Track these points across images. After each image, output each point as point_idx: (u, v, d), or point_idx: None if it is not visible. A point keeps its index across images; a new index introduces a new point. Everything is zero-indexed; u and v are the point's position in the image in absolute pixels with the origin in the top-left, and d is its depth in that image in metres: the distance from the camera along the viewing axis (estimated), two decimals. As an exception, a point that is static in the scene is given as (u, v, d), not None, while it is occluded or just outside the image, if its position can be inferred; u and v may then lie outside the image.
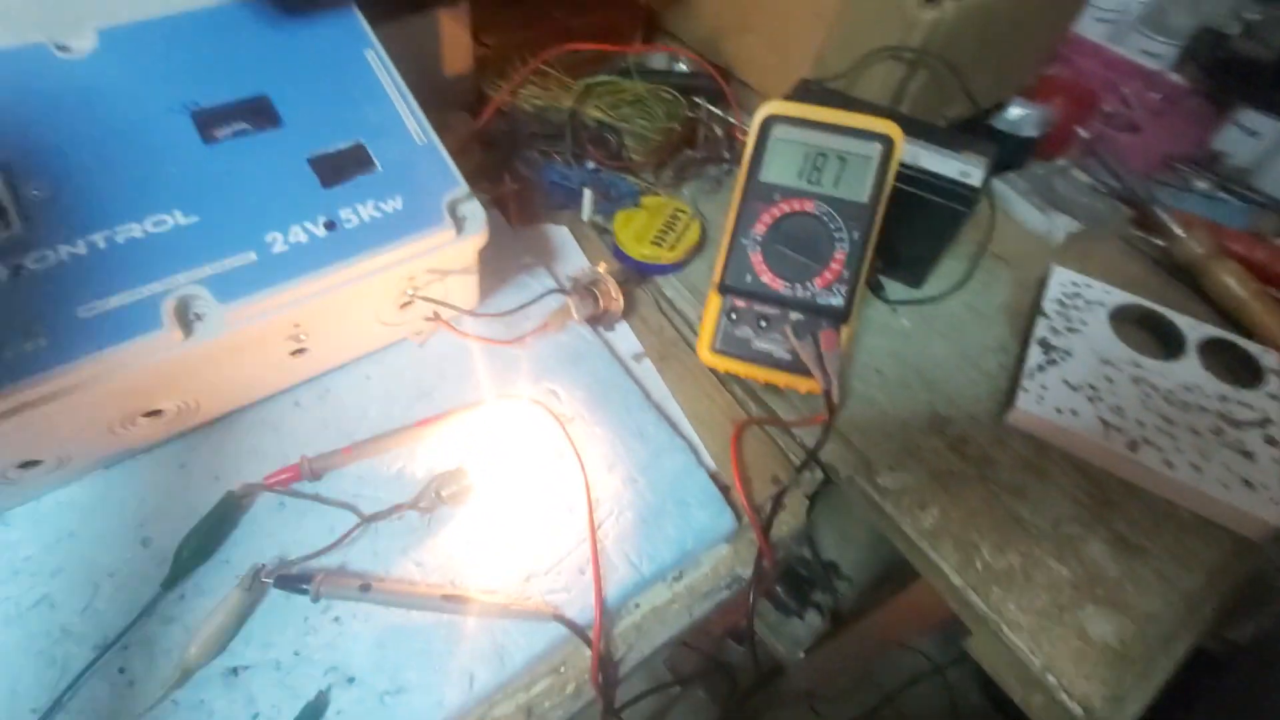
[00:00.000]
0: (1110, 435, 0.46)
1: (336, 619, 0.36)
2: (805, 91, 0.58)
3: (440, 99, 0.61)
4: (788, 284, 0.47)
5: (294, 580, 0.36)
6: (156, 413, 0.38)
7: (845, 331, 0.46)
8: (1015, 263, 0.61)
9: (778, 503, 0.44)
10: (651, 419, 0.45)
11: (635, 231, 0.56)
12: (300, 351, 0.41)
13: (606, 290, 0.50)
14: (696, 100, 0.67)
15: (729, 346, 0.48)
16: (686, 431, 0.46)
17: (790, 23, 0.60)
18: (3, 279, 0.32)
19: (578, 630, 0.37)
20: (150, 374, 0.33)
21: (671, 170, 0.64)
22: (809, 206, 0.47)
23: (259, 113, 0.39)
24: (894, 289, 0.58)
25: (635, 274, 0.56)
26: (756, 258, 0.47)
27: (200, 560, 0.37)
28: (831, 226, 0.47)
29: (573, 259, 0.56)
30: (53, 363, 0.31)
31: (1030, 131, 0.67)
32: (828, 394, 0.45)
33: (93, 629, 0.35)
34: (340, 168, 0.39)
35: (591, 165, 0.61)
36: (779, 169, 0.48)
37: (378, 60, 0.42)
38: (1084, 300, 0.55)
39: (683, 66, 0.72)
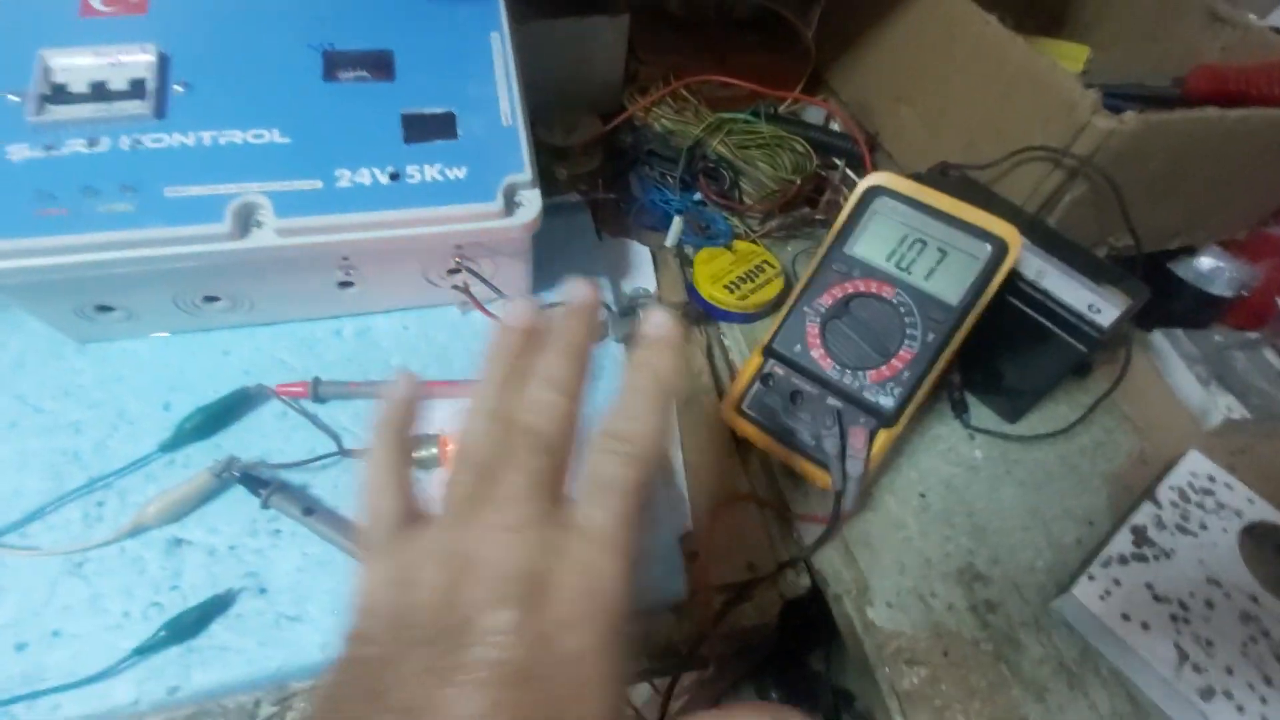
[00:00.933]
0: (1183, 672, 0.36)
1: (277, 531, 0.38)
2: (941, 174, 0.53)
3: (584, 100, 0.64)
4: (838, 367, 0.42)
5: (255, 482, 0.38)
6: (214, 299, 0.42)
7: (885, 437, 0.41)
8: (1146, 431, 0.51)
9: (743, 592, 0.40)
10: (643, 456, 0.43)
11: (714, 271, 0.54)
12: (347, 285, 0.43)
13: (634, 311, 0.48)
14: (836, 161, 0.64)
15: (755, 411, 0.44)
16: (678, 480, 0.43)
17: (949, 101, 0.55)
18: (124, 147, 0.37)
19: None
20: (205, 261, 0.37)
21: (780, 222, 0.61)
22: (887, 292, 0.42)
23: (379, 65, 0.42)
24: (981, 414, 0.50)
25: (700, 313, 0.54)
26: (813, 329, 0.43)
27: (199, 437, 0.40)
28: (906, 320, 0.42)
29: (642, 279, 0.55)
30: (129, 224, 0.35)
31: (1221, 290, 0.56)
32: (838, 495, 0.40)
33: (95, 462, 0.39)
34: (426, 128, 0.41)
35: (697, 196, 0.60)
36: (869, 244, 0.44)
37: (500, 44, 0.44)
38: (1216, 501, 0.44)
39: (836, 125, 0.69)
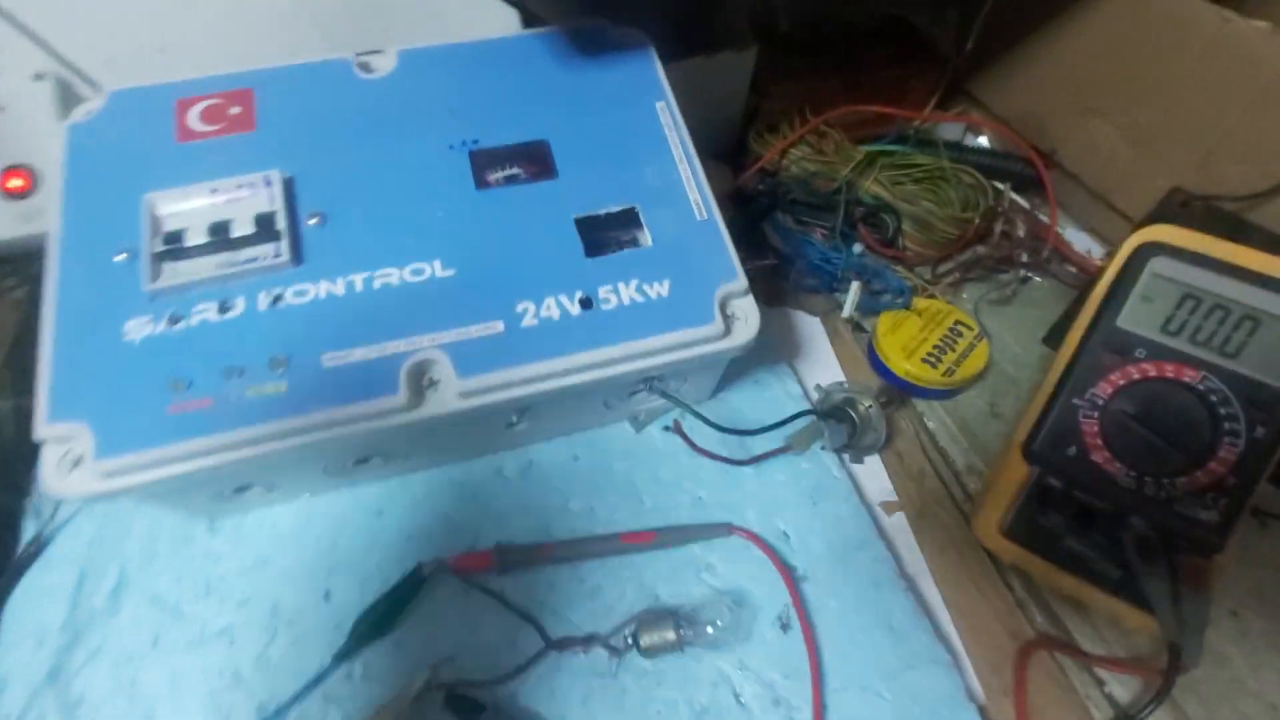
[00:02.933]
0: None
1: (493, 761, 0.31)
2: (1177, 207, 0.44)
3: (703, 146, 0.56)
4: (1134, 475, 0.34)
5: (465, 708, 0.30)
6: (366, 459, 0.35)
7: (1214, 564, 0.33)
8: None
9: (1066, 778, 0.32)
10: (904, 605, 0.35)
11: (903, 341, 0.46)
12: (515, 424, 0.36)
13: (868, 419, 0.40)
14: (997, 186, 0.55)
15: (1026, 535, 0.36)
16: (947, 633, 0.35)
17: (1168, 112, 0.46)
18: (263, 308, 0.30)
19: None
20: (374, 436, 0.30)
21: (953, 268, 0.53)
22: (1191, 376, 0.34)
23: (535, 159, 0.35)
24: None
25: (897, 395, 0.46)
26: (1092, 428, 0.35)
27: (376, 637, 0.33)
28: (1222, 411, 0.33)
29: (821, 361, 0.47)
30: (289, 412, 0.28)
31: None
32: (1175, 649, 0.32)
33: (261, 683, 0.32)
34: (608, 235, 0.34)
35: (859, 249, 0.52)
36: (1150, 317, 0.36)
37: (668, 115, 0.37)
38: None
39: (983, 141, 0.61)
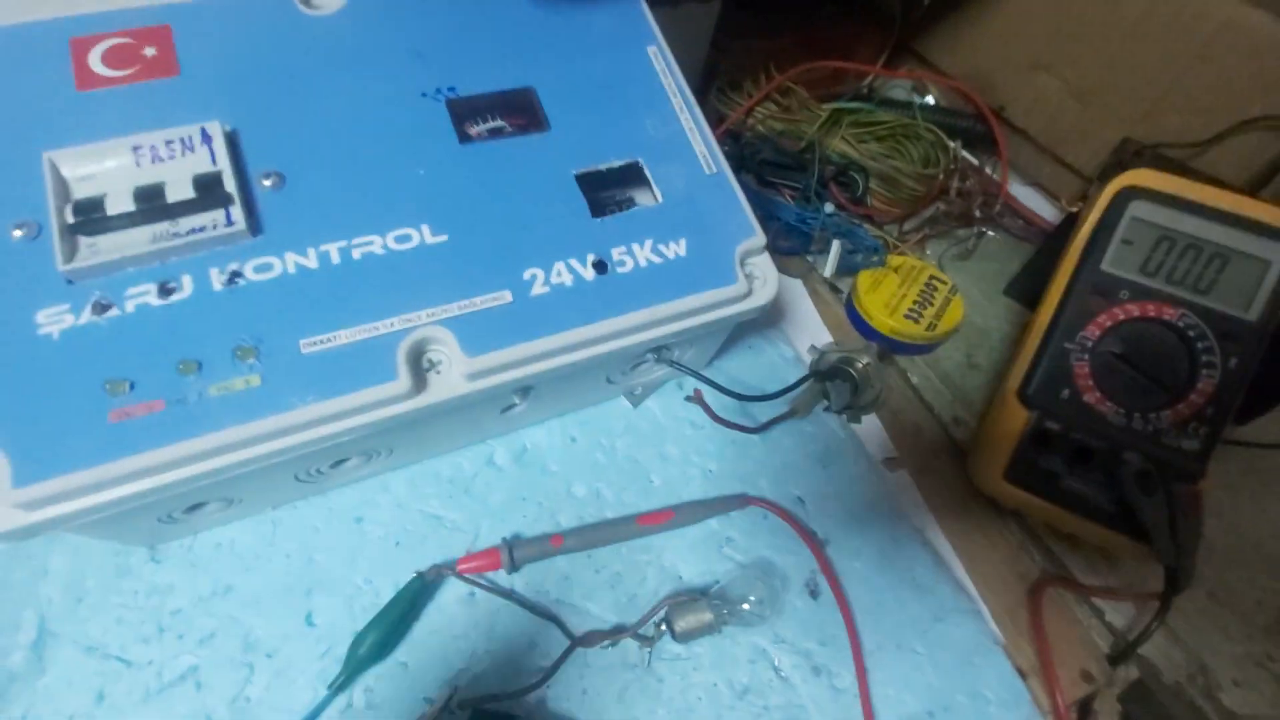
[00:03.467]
0: None
1: (529, 776, 0.28)
2: (1130, 156, 0.46)
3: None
4: (1123, 412, 0.36)
5: (490, 721, 0.27)
6: (343, 460, 0.31)
7: (1201, 490, 0.35)
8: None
9: (1086, 711, 0.33)
10: (924, 559, 0.35)
11: (884, 298, 0.46)
12: (513, 407, 0.33)
13: (866, 376, 0.40)
14: (949, 143, 0.56)
15: (1027, 478, 0.37)
16: (964, 581, 0.36)
17: (1112, 67, 0.48)
18: (216, 289, 0.25)
19: None
20: (366, 430, 0.26)
21: (918, 225, 0.54)
22: (1170, 314, 0.36)
23: (522, 109, 0.31)
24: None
25: (885, 352, 0.46)
26: (1083, 370, 0.36)
27: (377, 659, 0.29)
28: (1199, 345, 0.35)
29: (805, 322, 0.46)
30: (266, 410, 0.23)
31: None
32: (1173, 572, 0.34)
33: (241, 729, 0.28)
34: (612, 193, 0.30)
35: (830, 208, 0.51)
36: (1131, 259, 0.37)
37: (662, 60, 0.34)
38: None
39: (930, 99, 0.62)
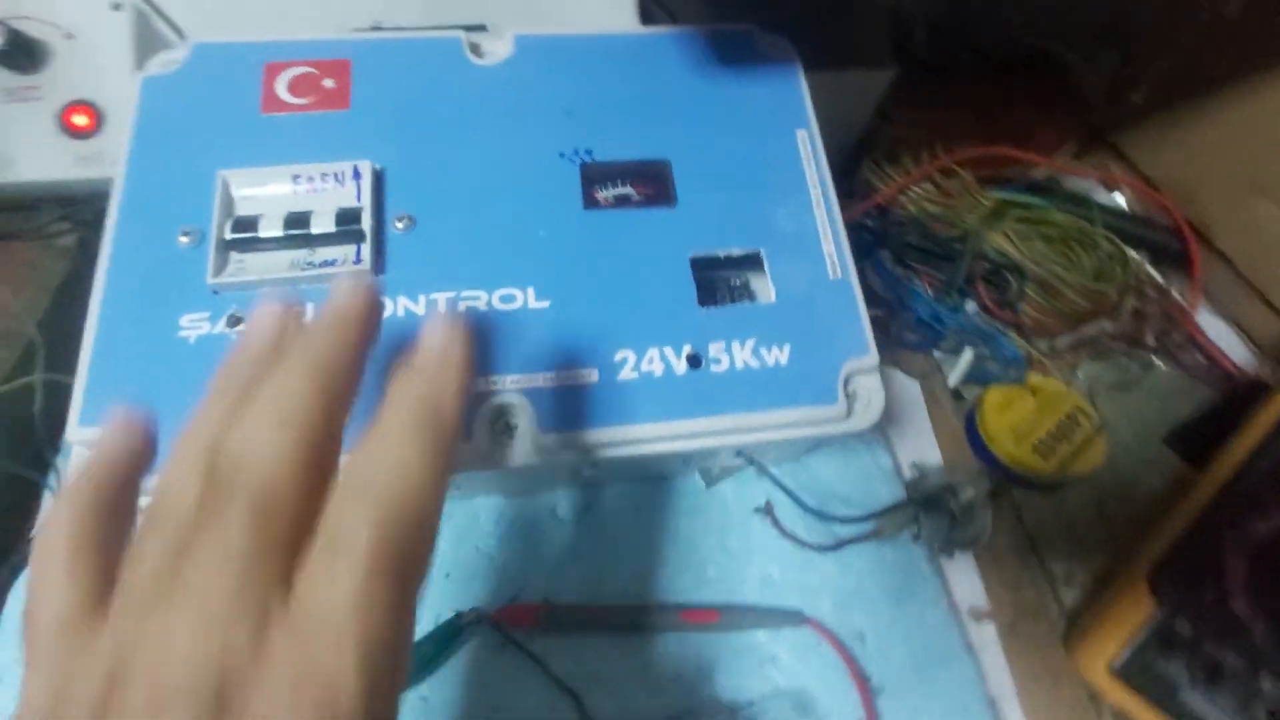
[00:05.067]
0: None
1: None
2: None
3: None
4: (1275, 631, 0.30)
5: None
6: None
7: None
8: None
9: None
10: (992, 740, 0.31)
11: (1014, 422, 0.41)
12: (586, 474, 0.32)
13: (970, 511, 0.36)
14: (1133, 255, 0.50)
15: (1140, 678, 0.32)
16: (1034, 776, 0.31)
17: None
18: (334, 319, 0.26)
19: None
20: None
21: (1072, 342, 0.48)
22: (1377, 541, 0.29)
23: (653, 181, 0.30)
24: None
25: (997, 481, 0.41)
26: (1238, 569, 0.31)
27: (403, 689, 0.30)
28: None
29: (915, 430, 0.42)
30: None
31: None
32: None
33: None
34: (725, 282, 0.29)
35: (972, 308, 0.47)
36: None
37: (808, 146, 0.32)
38: None
39: (1120, 200, 0.55)
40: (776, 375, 0.28)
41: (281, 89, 0.29)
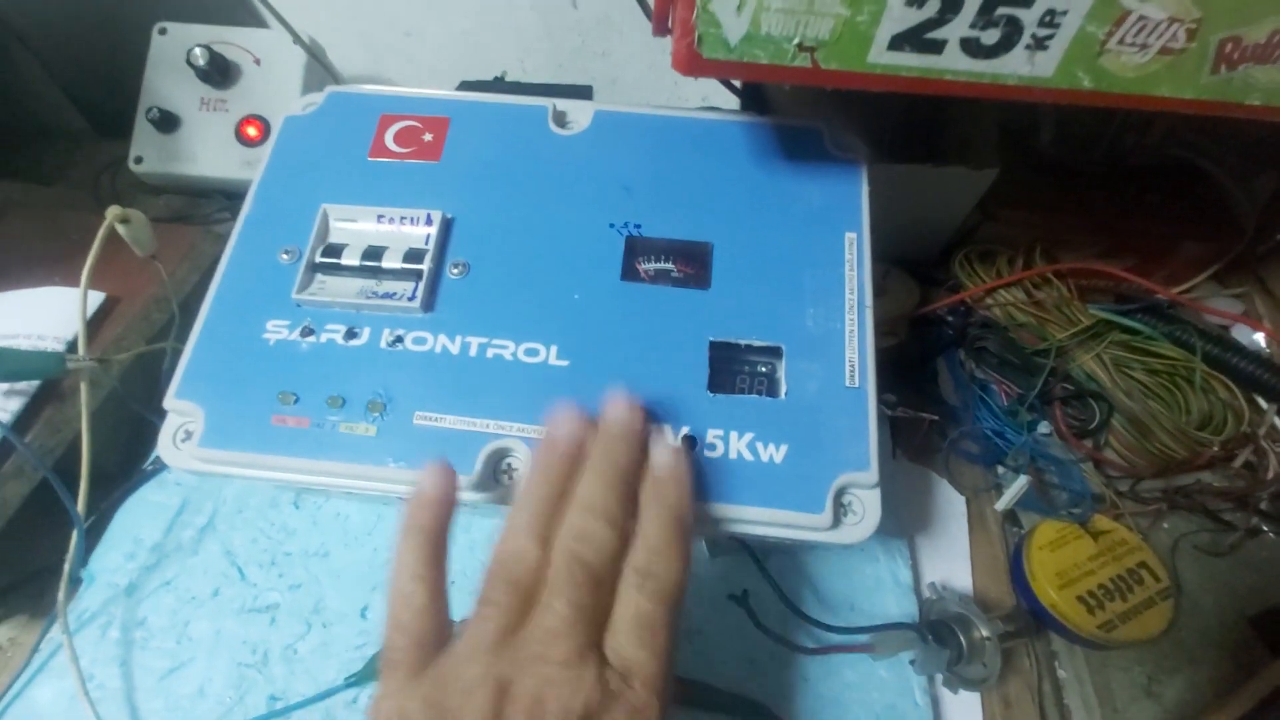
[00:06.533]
0: None
1: None
2: None
3: (893, 246, 0.49)
4: None
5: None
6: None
7: None
8: None
9: None
10: None
11: (1063, 564, 0.38)
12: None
13: (979, 650, 0.33)
14: (1259, 403, 0.44)
15: None
16: None
17: None
18: (384, 344, 0.30)
19: None
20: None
21: (1161, 491, 0.43)
22: None
23: (692, 262, 0.32)
24: None
25: (1024, 619, 0.38)
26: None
27: (385, 676, 0.33)
28: None
29: (949, 549, 0.40)
30: (368, 458, 0.28)
31: None
32: None
33: (281, 674, 0.34)
34: (739, 371, 0.30)
35: (1045, 429, 0.43)
36: None
37: (855, 251, 0.32)
38: None
39: (1259, 341, 0.48)
40: (767, 472, 0.28)
41: (389, 138, 0.34)
